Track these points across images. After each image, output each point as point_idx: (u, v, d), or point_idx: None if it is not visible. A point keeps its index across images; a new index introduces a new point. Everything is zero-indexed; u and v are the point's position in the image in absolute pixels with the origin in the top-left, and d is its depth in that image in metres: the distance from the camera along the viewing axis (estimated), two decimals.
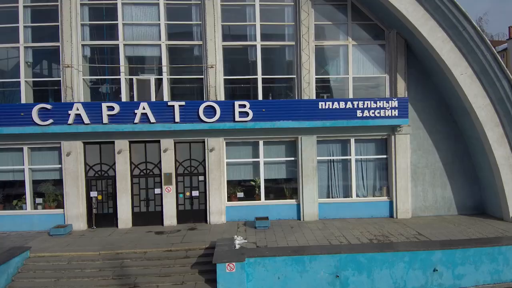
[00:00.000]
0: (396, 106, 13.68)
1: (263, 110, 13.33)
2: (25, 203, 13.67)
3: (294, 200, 14.38)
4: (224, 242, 10.72)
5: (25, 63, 13.56)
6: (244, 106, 13.23)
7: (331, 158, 14.66)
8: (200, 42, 14.06)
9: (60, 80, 13.48)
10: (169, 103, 13.04)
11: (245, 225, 13.39)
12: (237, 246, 10.61)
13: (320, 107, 13.51)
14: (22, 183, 13.72)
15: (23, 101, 13.45)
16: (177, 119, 13.06)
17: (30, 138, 13.13)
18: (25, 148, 13.49)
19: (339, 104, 13.54)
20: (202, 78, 14.05)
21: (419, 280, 10.12)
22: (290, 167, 14.59)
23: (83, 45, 13.67)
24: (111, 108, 12.80)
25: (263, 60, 14.35)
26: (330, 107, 13.50)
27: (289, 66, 14.86)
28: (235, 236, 11.68)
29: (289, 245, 10.95)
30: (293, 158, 14.43)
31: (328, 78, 15.11)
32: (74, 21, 13.32)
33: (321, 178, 14.44)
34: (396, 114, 13.68)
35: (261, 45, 14.29)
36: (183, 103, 13.10)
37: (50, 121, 12.62)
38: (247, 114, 13.23)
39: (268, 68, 14.56)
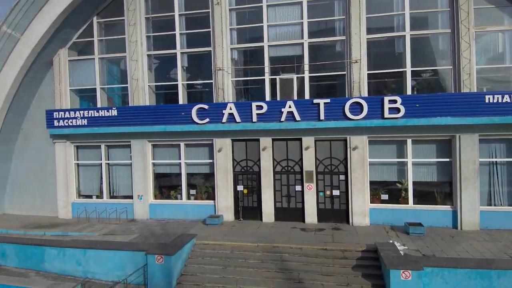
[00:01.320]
0: None
1: (417, 105, 12.28)
2: (180, 194, 15.24)
3: (448, 206, 12.96)
4: (386, 247, 10.14)
5: (181, 67, 15.05)
6: (395, 101, 12.38)
7: (494, 160, 12.76)
8: (343, 37, 13.66)
9: (211, 82, 14.60)
10: (314, 101, 12.98)
11: (393, 230, 12.56)
12: (401, 253, 9.93)
13: (486, 101, 11.85)
14: (177, 175, 15.35)
15: (180, 102, 14.95)
16: (322, 116, 12.92)
17: (187, 136, 14.54)
18: (182, 144, 15.00)
19: (510, 97, 11.66)
20: (344, 74, 13.64)
21: None
22: (443, 169, 13.17)
23: (231, 49, 14.53)
24: (259, 107, 13.32)
25: (411, 51, 13.23)
26: (500, 101, 11.73)
27: (442, 56, 13.43)
28: (391, 241, 11.03)
29: (461, 256, 9.83)
30: (447, 159, 12.99)
31: (492, 68, 13.17)
32: (224, 26, 14.25)
33: (481, 182, 12.67)
34: None
35: (411, 35, 13.18)
36: (328, 100, 12.90)
37: (207, 120, 13.75)
38: (397, 110, 12.36)
39: (416, 60, 13.38)
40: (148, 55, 15.26)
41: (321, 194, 13.86)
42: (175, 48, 15.01)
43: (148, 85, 15.27)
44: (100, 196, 16.07)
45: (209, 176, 14.91)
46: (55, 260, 11.06)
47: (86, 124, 14.88)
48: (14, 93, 15.13)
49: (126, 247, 10.65)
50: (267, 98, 14.28)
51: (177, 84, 15.01)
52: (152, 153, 15.40)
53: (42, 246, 11.18)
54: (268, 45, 14.24)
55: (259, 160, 14.23)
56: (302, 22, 13.93)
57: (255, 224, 13.76)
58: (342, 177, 13.75)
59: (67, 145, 15.80)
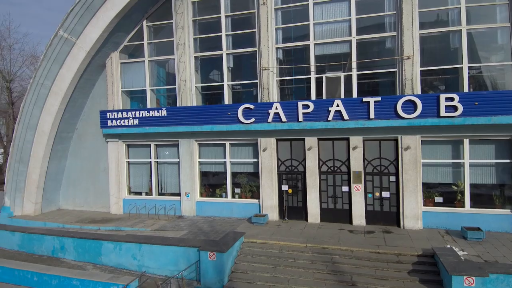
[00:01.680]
0: None
1: (476, 103, 11.61)
2: (225, 192, 15.47)
3: (508, 210, 12.15)
4: (445, 252, 9.68)
5: (227, 68, 15.26)
6: (452, 99, 11.78)
7: None
8: (394, 33, 13.21)
9: (256, 82, 14.69)
10: (364, 99, 12.65)
11: (448, 234, 11.96)
12: (462, 258, 9.43)
13: None
14: (222, 174, 15.59)
15: (225, 102, 15.17)
16: (372, 115, 12.58)
17: (232, 135, 14.74)
18: (227, 143, 15.22)
19: None
20: (395, 71, 13.22)
21: None
22: (503, 170, 12.35)
23: (277, 48, 14.53)
24: (306, 107, 13.22)
25: (468, 46, 12.55)
26: None
27: (501, 51, 12.62)
28: (448, 246, 10.51)
29: None
30: (507, 161, 12.18)
31: None
32: (269, 26, 14.28)
33: None
34: None
35: (467, 29, 12.50)
36: (378, 98, 12.53)
37: (252, 119, 13.85)
38: (454, 108, 11.76)
39: (473, 56, 12.66)
40: (195, 57, 15.61)
41: (369, 195, 13.50)
42: (221, 49, 15.24)
43: (195, 86, 15.63)
44: (149, 193, 16.68)
45: (254, 175, 15.01)
46: (111, 254, 11.61)
47: (137, 124, 15.50)
48: (70, 95, 16.06)
49: (179, 243, 10.95)
50: (313, 97, 14.12)
51: (223, 85, 15.26)
52: (198, 152, 15.76)
53: (99, 240, 11.77)
54: (314, 43, 14.08)
55: (304, 159, 14.11)
56: (350, 18, 13.65)
57: (301, 224, 13.66)
58: (392, 178, 13.30)
59: (119, 144, 16.56)
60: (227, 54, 15.22)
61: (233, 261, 10.97)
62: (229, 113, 14.19)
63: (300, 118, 13.33)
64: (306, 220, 14.02)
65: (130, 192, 17.08)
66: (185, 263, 10.70)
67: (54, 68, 15.56)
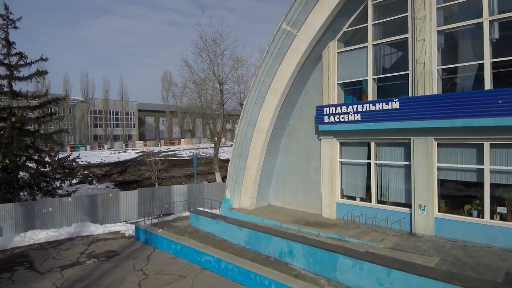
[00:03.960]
0: None
1: None
2: (478, 210, 11.48)
3: None
4: None
5: (489, 41, 11.17)
6: None
7: None
8: None
9: None
10: None
11: None
12: None
13: None
14: (473, 185, 11.68)
15: (486, 87, 11.14)
16: None
17: (497, 132, 10.65)
18: (486, 144, 11.18)
19: None
20: None
21: None
22: None
23: None
24: None
25: None
26: None
27: None
28: None
29: None
30: None
31: None
32: None
33: None
34: None
35: None
36: None
37: None
38: None
39: None
40: (438, 32, 12.22)
41: None
42: (480, 15, 11.29)
43: (437, 69, 12.25)
44: (365, 199, 14.47)
45: None
46: (349, 272, 9.82)
47: (359, 119, 13.48)
48: (287, 91, 15.57)
49: (450, 280, 7.97)
50: None
51: (481, 64, 11.26)
52: (438, 154, 12.34)
53: (334, 253, 10.18)
54: None
55: None
56: None
57: None
58: None
59: (333, 142, 15.04)
60: (490, 21, 11.13)
61: None
62: (499, 101, 10.19)
63: None
64: None
65: (342, 195, 15.33)
66: None
67: (275, 64, 15.34)
